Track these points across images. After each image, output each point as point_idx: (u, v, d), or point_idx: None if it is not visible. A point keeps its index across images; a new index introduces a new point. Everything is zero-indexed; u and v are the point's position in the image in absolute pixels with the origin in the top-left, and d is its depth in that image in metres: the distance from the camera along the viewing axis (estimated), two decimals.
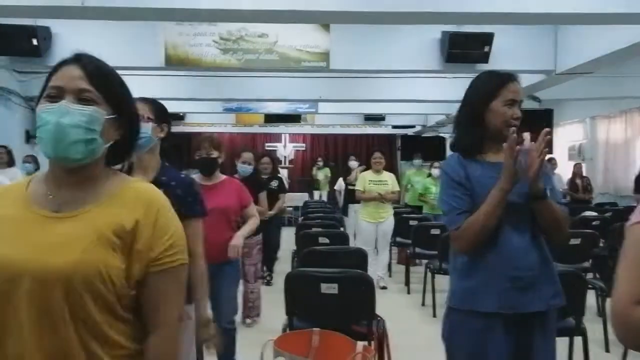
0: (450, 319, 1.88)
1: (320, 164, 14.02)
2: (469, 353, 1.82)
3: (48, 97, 1.12)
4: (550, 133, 1.80)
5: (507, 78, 1.87)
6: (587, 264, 5.00)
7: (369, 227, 6.25)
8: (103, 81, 1.15)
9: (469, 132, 1.88)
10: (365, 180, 6.25)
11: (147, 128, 1.98)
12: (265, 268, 6.52)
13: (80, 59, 1.15)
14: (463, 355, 1.84)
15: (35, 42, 5.41)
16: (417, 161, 9.32)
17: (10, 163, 5.88)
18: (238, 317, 3.68)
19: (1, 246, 1.09)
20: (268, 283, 6.37)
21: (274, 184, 6.21)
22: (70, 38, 5.66)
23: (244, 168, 4.68)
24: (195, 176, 3.18)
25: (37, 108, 1.13)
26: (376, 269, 5.99)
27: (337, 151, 16.06)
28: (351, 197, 7.38)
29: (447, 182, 1.88)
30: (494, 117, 1.82)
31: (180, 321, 1.28)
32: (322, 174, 13.63)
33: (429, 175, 8.30)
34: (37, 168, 6.16)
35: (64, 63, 1.16)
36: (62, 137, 1.08)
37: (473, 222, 1.76)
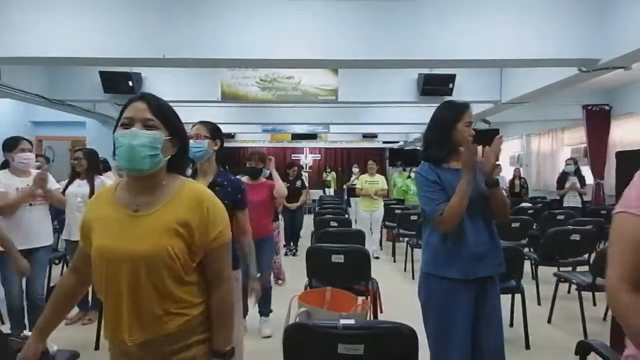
0: (426, 282, 1.84)
1: (329, 170, 14.47)
2: (441, 307, 1.78)
3: (122, 125, 1.14)
4: (501, 138, 1.82)
5: (466, 106, 1.86)
6: (524, 242, 4.93)
7: (366, 214, 6.23)
8: (161, 112, 1.15)
9: (440, 146, 1.83)
10: (363, 180, 6.25)
11: (203, 144, 1.97)
12: (292, 244, 6.53)
13: (145, 97, 1.16)
14: (437, 309, 1.79)
15: (130, 83, 5.46)
16: (399, 168, 9.35)
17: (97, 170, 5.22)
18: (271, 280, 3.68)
19: (108, 239, 1.13)
20: (294, 254, 6.37)
21: (298, 183, 6.24)
22: (155, 80, 5.71)
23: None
24: (244, 178, 3.21)
25: (114, 133, 1.14)
26: (371, 244, 5.95)
27: (343, 160, 16.02)
28: (352, 193, 7.37)
29: (424, 182, 1.83)
30: (458, 134, 1.80)
31: (234, 280, 1.31)
32: (330, 177, 13.94)
33: (409, 177, 8.25)
34: None
35: (133, 100, 1.17)
36: (133, 154, 1.10)
37: (454, 206, 1.73)
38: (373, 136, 12.85)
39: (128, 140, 1.10)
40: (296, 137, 12.18)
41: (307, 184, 7.09)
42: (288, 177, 6.20)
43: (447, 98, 5.83)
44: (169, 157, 1.16)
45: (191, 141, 1.89)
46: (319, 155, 16.14)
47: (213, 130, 2.08)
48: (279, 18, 3.66)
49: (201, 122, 2.06)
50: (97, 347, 2.97)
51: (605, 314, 3.62)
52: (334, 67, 5.50)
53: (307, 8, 3.67)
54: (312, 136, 12.05)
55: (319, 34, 3.69)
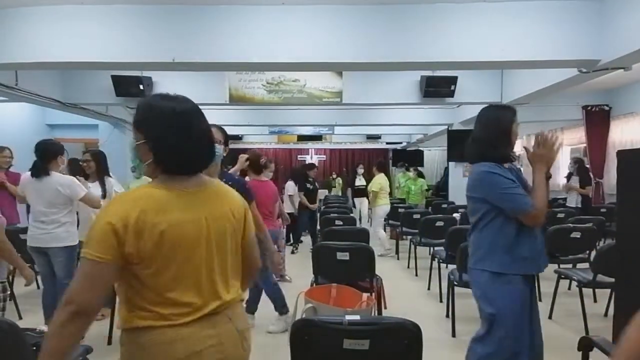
0: (497, 282, 1.76)
1: (335, 176, 14.51)
2: (516, 306, 1.75)
3: None
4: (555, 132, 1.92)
5: (514, 110, 1.90)
6: None
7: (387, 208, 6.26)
8: (135, 116, 1.18)
9: (498, 146, 1.84)
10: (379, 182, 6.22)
11: (220, 149, 1.98)
12: (294, 242, 6.58)
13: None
14: (514, 309, 1.74)
15: (141, 87, 5.49)
16: (401, 168, 9.29)
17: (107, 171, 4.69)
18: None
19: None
20: (293, 252, 6.35)
21: (317, 184, 6.40)
22: (165, 84, 5.74)
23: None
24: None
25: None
26: (381, 245, 5.99)
27: (347, 160, 16.02)
28: (357, 193, 7.31)
29: (502, 180, 1.77)
30: (514, 135, 1.86)
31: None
32: (336, 182, 14.02)
33: (414, 175, 8.24)
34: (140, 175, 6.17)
35: None
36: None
37: (544, 199, 1.76)
38: (377, 137, 12.83)
39: None
40: (302, 138, 12.20)
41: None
42: (308, 178, 6.26)
43: (449, 100, 5.81)
44: (150, 160, 1.09)
45: None
46: (324, 156, 16.15)
47: (226, 137, 2.09)
48: (284, 22, 3.66)
49: (216, 126, 2.03)
50: (109, 343, 2.98)
51: (607, 310, 3.58)
52: (338, 69, 5.49)
53: (313, 12, 3.67)
54: (317, 137, 12.08)
55: (324, 37, 3.68)
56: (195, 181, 1.14)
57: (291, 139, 13.13)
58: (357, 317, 1.42)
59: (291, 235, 6.70)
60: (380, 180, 6.21)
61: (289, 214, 6.97)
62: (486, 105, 1.96)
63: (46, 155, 2.91)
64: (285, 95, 5.92)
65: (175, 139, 1.07)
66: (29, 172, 2.96)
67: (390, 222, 6.84)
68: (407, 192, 7.99)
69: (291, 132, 11.04)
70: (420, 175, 8.03)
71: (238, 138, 12.14)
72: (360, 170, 8.81)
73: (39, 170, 2.90)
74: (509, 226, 1.77)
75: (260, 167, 3.49)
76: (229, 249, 1.17)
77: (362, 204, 6.97)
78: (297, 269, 4.90)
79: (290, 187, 6.53)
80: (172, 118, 1.08)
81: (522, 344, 1.75)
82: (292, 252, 6.31)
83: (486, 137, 1.86)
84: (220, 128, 2.07)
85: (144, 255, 1.02)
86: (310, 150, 15.90)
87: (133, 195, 1.07)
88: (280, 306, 3.25)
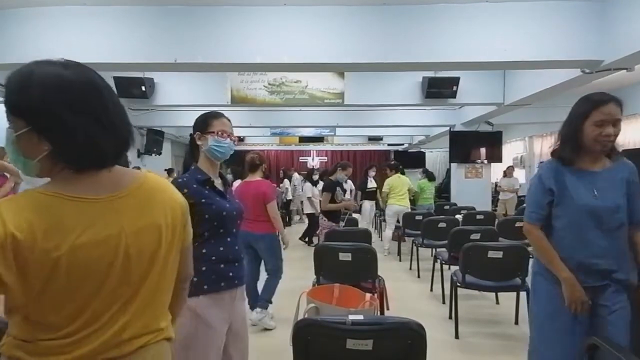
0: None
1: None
2: None
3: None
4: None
5: (598, 102, 1.59)
6: (528, 240, 4.83)
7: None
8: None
9: (567, 146, 1.66)
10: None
11: (232, 144, 1.66)
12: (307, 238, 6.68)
13: None
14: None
15: (143, 88, 5.49)
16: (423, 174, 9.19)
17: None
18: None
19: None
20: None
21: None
22: (167, 85, 5.74)
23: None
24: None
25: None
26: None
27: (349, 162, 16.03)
28: (367, 195, 7.19)
29: (538, 185, 1.69)
30: (585, 136, 1.60)
31: None
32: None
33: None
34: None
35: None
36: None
37: (538, 242, 1.70)
38: (378, 139, 12.81)
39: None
40: (303, 140, 12.21)
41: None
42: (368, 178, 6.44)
43: (451, 101, 5.80)
44: (43, 155, 0.78)
45: (213, 139, 1.60)
46: (326, 158, 16.12)
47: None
48: (286, 23, 3.66)
49: (224, 116, 1.67)
50: None
51: None
52: (340, 70, 5.49)
53: (315, 13, 3.66)
54: (319, 139, 12.08)
55: (326, 38, 3.68)
56: (108, 181, 0.84)
57: (293, 141, 13.13)
58: (360, 317, 1.40)
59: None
60: (390, 181, 6.22)
61: (309, 214, 7.02)
62: None
63: None
64: (287, 97, 5.91)
65: (80, 120, 0.76)
66: None
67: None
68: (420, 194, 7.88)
69: (293, 134, 11.05)
70: (431, 177, 7.83)
71: (240, 140, 12.16)
72: (372, 173, 8.75)
73: None
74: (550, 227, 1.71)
75: (250, 166, 3.31)
76: (159, 267, 0.89)
77: (372, 206, 6.92)
78: (299, 270, 4.88)
79: (308, 189, 6.55)
80: (70, 90, 0.76)
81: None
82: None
83: (561, 134, 1.69)
84: (225, 116, 1.69)
85: (25, 289, 0.75)
86: (311, 152, 15.88)
87: (13, 205, 0.74)
88: (266, 300, 3.29)
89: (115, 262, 0.81)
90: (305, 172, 9.05)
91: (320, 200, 4.57)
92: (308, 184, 6.81)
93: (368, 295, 2.09)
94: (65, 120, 0.75)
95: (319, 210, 6.03)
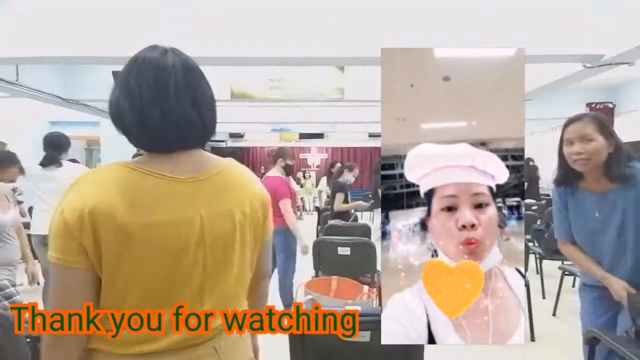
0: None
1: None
2: None
3: None
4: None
5: (567, 122, 1.61)
6: (528, 236, 4.84)
7: None
8: None
9: (559, 170, 1.69)
10: None
11: None
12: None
13: None
14: None
15: None
16: None
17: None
18: None
19: None
20: None
21: None
22: None
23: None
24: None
25: None
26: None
27: (350, 159, 15.99)
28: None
29: (553, 206, 1.77)
30: (566, 155, 1.61)
31: None
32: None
33: None
34: None
35: None
36: None
37: (571, 255, 1.72)
38: (378, 135, 12.78)
39: None
40: (304, 136, 12.17)
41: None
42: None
43: None
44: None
45: None
46: (326, 155, 16.11)
47: None
48: (285, 16, 3.63)
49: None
50: None
51: None
52: (340, 64, 5.45)
53: (314, 5, 3.63)
54: (319, 135, 12.04)
55: (325, 30, 3.65)
56: (190, 163, 0.84)
57: (293, 137, 13.10)
58: (357, 309, 1.38)
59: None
60: None
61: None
62: None
63: (59, 146, 3.00)
64: (287, 92, 5.88)
65: (133, 100, 0.80)
66: (35, 165, 2.98)
67: None
68: None
69: (293, 131, 11.02)
70: None
71: (240, 136, 12.14)
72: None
73: (51, 160, 2.95)
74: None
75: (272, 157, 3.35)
76: (234, 258, 0.86)
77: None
78: (298, 263, 4.87)
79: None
80: (137, 70, 0.82)
81: None
82: None
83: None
84: None
85: (103, 260, 0.76)
86: (311, 148, 15.86)
87: (96, 177, 0.79)
88: (289, 304, 3.23)
89: (189, 242, 0.79)
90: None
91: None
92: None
93: (366, 287, 2.07)
94: (122, 99, 0.81)
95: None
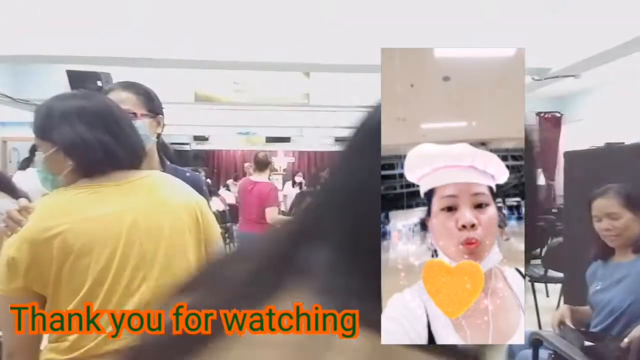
0: None
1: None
2: None
3: None
4: None
5: (591, 197, 1.59)
6: None
7: None
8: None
9: (595, 244, 1.68)
10: None
11: (142, 124, 1.18)
12: None
13: None
14: None
15: (100, 83, 5.24)
16: None
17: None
18: None
19: None
20: None
21: None
22: (126, 80, 5.53)
23: None
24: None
25: None
26: None
27: (317, 163, 16.09)
28: None
29: (588, 279, 1.74)
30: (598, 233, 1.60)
31: None
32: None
33: None
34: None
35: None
36: None
37: None
38: (345, 140, 12.95)
39: None
40: (270, 140, 12.10)
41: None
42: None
43: None
44: (69, 169, 0.94)
45: None
46: (293, 159, 16.10)
47: (150, 100, 1.26)
48: (253, 20, 3.62)
49: (123, 85, 1.25)
50: None
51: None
52: (306, 70, 5.49)
53: (284, 9, 3.65)
54: (285, 139, 12.02)
55: (292, 36, 3.67)
56: (119, 175, 0.95)
57: (259, 141, 12.99)
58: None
59: None
60: None
61: None
62: None
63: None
64: (252, 95, 5.85)
65: (93, 134, 0.91)
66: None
67: None
68: None
69: (259, 134, 10.95)
70: None
71: (205, 139, 11.89)
72: None
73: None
74: None
75: (259, 164, 3.32)
76: (166, 249, 0.93)
77: None
78: None
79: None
80: (83, 115, 0.93)
81: None
82: None
83: None
84: (130, 85, 1.26)
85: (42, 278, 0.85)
86: (278, 152, 15.80)
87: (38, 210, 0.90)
88: None
89: (122, 232, 0.88)
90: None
91: None
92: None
93: None
94: (82, 135, 0.90)
95: None
